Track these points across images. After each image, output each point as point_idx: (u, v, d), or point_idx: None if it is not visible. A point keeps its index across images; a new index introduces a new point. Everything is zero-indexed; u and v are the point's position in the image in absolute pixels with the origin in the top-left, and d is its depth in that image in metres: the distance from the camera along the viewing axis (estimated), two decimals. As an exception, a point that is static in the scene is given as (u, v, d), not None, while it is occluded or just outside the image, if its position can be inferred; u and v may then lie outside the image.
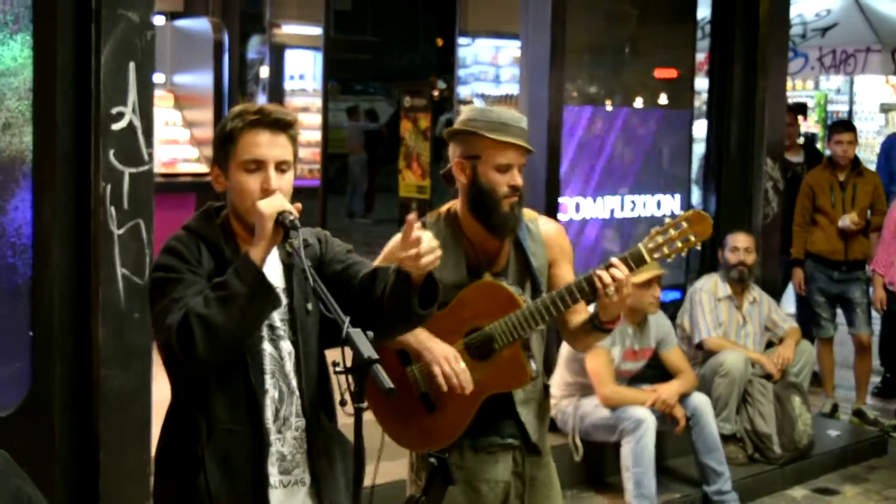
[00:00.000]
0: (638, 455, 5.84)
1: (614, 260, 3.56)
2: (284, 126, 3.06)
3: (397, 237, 3.80)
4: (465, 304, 3.70)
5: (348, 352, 2.75)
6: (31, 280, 4.40)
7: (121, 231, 4.47)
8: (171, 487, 3.11)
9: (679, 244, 3.64)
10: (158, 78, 9.76)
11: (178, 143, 9.69)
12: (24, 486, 4.14)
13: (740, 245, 7.11)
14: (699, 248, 3.71)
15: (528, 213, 3.85)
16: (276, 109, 3.10)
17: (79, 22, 4.41)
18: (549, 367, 4.00)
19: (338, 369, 2.74)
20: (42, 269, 4.42)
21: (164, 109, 9.76)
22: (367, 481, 3.25)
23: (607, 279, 3.52)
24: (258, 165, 3.01)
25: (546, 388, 3.92)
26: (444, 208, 3.86)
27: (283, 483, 3.08)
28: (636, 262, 3.61)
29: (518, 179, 3.63)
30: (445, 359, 3.62)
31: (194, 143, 9.70)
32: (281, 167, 3.03)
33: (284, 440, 3.08)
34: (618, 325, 5.84)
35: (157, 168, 8.96)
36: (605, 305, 3.59)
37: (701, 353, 6.99)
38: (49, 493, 4.25)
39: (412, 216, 3.00)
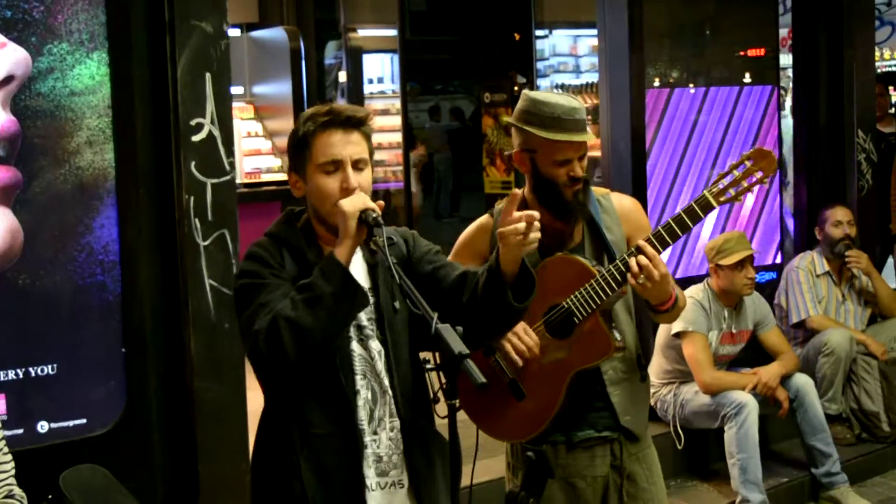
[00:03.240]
0: (742, 440, 5.72)
1: (641, 243, 3.45)
2: (357, 123, 3.02)
3: (468, 231, 3.73)
4: (540, 283, 3.60)
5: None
6: (121, 297, 4.43)
7: (206, 242, 4.48)
8: (268, 495, 3.08)
9: (745, 184, 3.52)
10: (237, 89, 9.83)
11: (260, 154, 9.77)
12: (124, 501, 4.19)
13: (843, 218, 6.94)
14: (767, 184, 3.56)
15: (598, 190, 3.76)
16: (346, 108, 3.06)
17: (152, 36, 4.44)
18: (647, 355, 3.89)
19: (428, 366, 2.69)
20: (131, 284, 4.45)
21: (244, 121, 9.84)
22: (465, 480, 3.20)
23: (635, 268, 3.42)
24: (335, 166, 2.97)
25: (641, 366, 3.79)
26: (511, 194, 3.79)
27: (380, 485, 3.04)
28: (703, 209, 3.50)
29: (577, 170, 3.53)
30: (513, 332, 3.51)
31: (276, 153, 9.76)
32: (358, 165, 2.99)
33: (380, 441, 3.04)
34: (713, 308, 5.88)
35: (241, 179, 9.04)
36: (643, 292, 3.49)
37: (801, 333, 6.84)
38: (151, 508, 4.31)
39: (516, 191, 2.96)
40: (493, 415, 3.72)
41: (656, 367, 6.10)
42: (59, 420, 4.34)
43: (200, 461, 4.53)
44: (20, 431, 4.24)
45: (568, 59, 14.84)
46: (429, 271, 3.11)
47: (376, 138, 12.84)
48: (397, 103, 12.82)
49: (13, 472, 3.48)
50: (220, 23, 4.51)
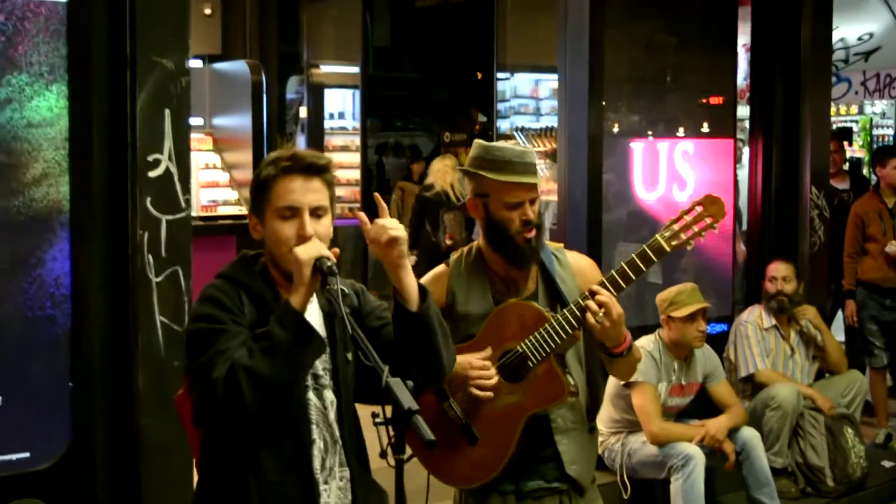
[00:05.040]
0: (687, 492, 5.73)
1: (594, 287, 3.55)
2: (318, 170, 3.03)
3: (424, 281, 3.75)
4: (493, 329, 3.66)
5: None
6: (70, 331, 4.38)
7: (159, 279, 4.45)
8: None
9: (696, 229, 3.63)
10: (197, 121, 9.80)
11: (217, 186, 9.74)
12: (66, 538, 4.14)
13: (778, 274, 7.01)
14: (717, 230, 3.66)
15: (553, 244, 3.84)
16: (308, 154, 3.08)
17: (113, 70, 4.42)
18: (596, 408, 3.92)
19: (377, 420, 2.69)
20: (81, 319, 4.40)
21: (203, 152, 9.82)
22: None
23: (594, 307, 3.49)
24: (293, 212, 2.98)
25: (590, 417, 3.84)
26: (465, 247, 3.85)
27: None
28: (655, 253, 3.63)
29: (530, 213, 3.61)
30: (470, 366, 3.57)
31: (234, 186, 9.75)
32: (317, 213, 3.00)
33: (330, 491, 3.04)
34: (663, 360, 5.90)
35: (197, 212, 9.01)
36: (599, 333, 3.55)
37: (750, 386, 6.89)
38: (92, 545, 4.25)
39: (377, 194, 3.12)
40: (445, 460, 3.72)
41: (605, 416, 6.11)
42: (1, 453, 4.27)
43: (144, 499, 4.48)
44: (-39, 464, 4.19)
45: (529, 101, 14.89)
46: (375, 327, 3.12)
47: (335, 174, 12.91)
48: (357, 140, 12.85)
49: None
50: (182, 60, 4.49)
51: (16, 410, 4.30)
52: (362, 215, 3.06)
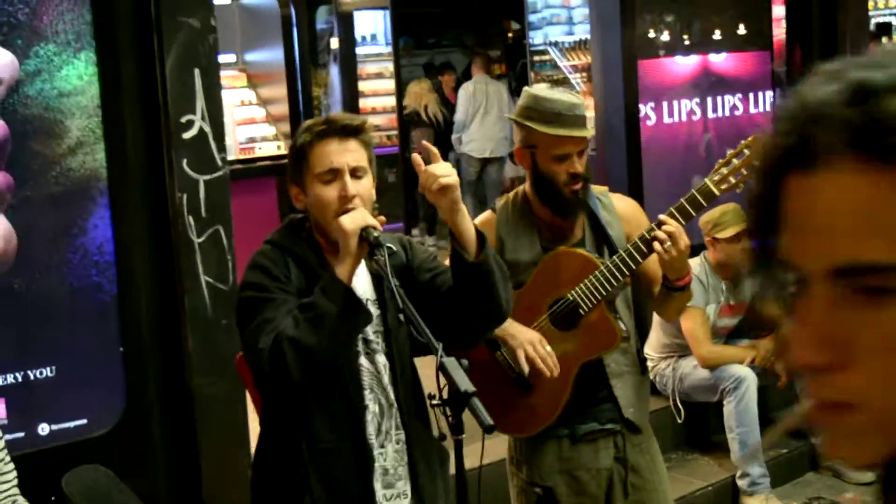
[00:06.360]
0: (741, 414, 5.74)
1: (662, 217, 3.54)
2: (353, 131, 3.04)
3: (477, 221, 3.74)
4: (544, 277, 3.66)
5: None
6: (117, 296, 4.42)
7: (201, 239, 4.46)
8: (275, 509, 3.10)
9: (744, 172, 3.60)
10: (229, 58, 9.77)
11: (254, 122, 9.71)
12: (127, 500, 4.21)
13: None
14: None
15: (597, 188, 3.83)
16: (342, 116, 3.11)
17: (140, 34, 4.39)
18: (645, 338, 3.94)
19: (434, 402, 2.69)
20: (127, 284, 4.44)
21: (237, 89, 9.78)
22: (474, 461, 3.22)
23: (662, 236, 3.48)
24: (334, 175, 2.99)
25: (641, 360, 3.84)
26: (511, 193, 3.84)
27: (386, 497, 3.07)
28: (705, 197, 3.60)
29: (577, 167, 3.59)
30: (530, 343, 3.56)
31: (270, 121, 9.70)
32: (356, 173, 3.00)
33: (386, 454, 3.07)
34: (710, 282, 5.87)
35: (235, 154, 9.00)
36: (666, 263, 3.54)
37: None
38: (154, 506, 4.33)
39: (416, 156, 3.05)
40: (499, 409, 3.71)
41: (655, 341, 6.10)
42: (59, 422, 4.34)
43: (202, 456, 4.55)
44: (21, 435, 4.23)
45: (561, 10, 14.69)
46: (428, 279, 3.13)
47: (370, 102, 12.83)
48: (390, 66, 12.77)
49: (15, 480, 3.49)
50: (208, 18, 4.46)
51: (71, 379, 4.36)
52: (417, 158, 3.03)
